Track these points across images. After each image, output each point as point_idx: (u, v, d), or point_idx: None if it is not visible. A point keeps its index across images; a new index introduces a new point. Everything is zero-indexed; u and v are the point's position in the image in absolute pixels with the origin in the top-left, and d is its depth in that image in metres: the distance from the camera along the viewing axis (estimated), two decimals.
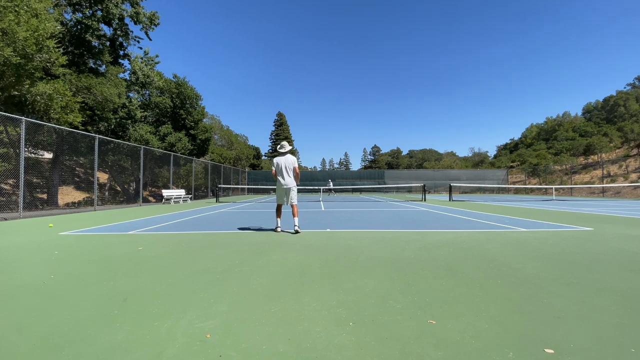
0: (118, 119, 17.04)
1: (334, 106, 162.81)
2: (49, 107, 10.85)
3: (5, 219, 8.49)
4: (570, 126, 59.08)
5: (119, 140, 15.38)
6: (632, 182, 27.21)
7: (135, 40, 17.74)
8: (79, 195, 17.81)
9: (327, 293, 2.51)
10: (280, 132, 74.26)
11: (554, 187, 21.93)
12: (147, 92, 20.68)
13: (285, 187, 5.78)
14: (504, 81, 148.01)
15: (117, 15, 15.27)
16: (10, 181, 14.16)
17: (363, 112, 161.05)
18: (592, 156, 40.49)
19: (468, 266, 3.32)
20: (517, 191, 35.80)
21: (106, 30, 16.11)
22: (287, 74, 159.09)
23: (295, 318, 2.03)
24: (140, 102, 19.68)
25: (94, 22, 14.15)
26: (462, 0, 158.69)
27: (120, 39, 17.01)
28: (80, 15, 14.13)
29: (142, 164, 15.70)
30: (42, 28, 9.91)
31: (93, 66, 15.24)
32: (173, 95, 22.00)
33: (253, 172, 39.76)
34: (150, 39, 18.35)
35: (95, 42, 14.97)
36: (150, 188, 23.56)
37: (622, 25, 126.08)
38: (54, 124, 11.31)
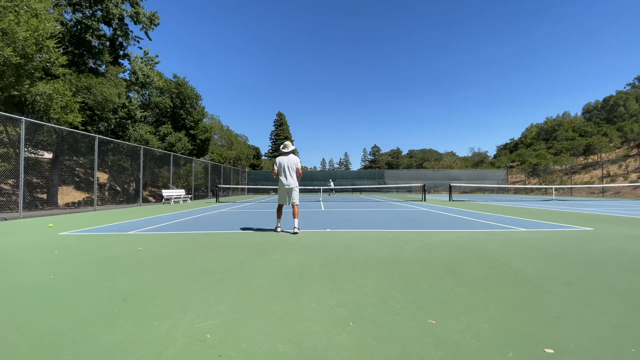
0: (118, 119, 17.04)
1: (334, 106, 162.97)
2: (49, 107, 10.85)
3: (5, 219, 8.48)
4: (570, 126, 59.10)
5: (118, 140, 15.38)
6: (632, 182, 27.22)
7: (135, 40, 17.75)
8: (79, 196, 17.81)
9: (327, 293, 2.51)
10: (280, 132, 74.26)
11: (553, 187, 21.93)
12: (147, 92, 20.68)
13: (287, 187, 5.76)
14: (503, 81, 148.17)
15: (117, 15, 15.27)
16: (10, 181, 14.16)
17: (363, 112, 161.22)
18: (592, 156, 40.52)
19: (468, 266, 3.32)
20: (517, 191, 35.81)
21: (106, 30, 16.12)
22: (287, 73, 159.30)
23: (295, 318, 2.03)
24: (140, 102, 19.69)
25: (93, 22, 14.15)
26: (462, 0, 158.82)
27: (120, 39, 17.00)
28: (80, 15, 14.13)
29: (141, 164, 15.70)
30: (42, 28, 9.91)
31: (93, 66, 15.24)
32: (173, 95, 22.01)
33: (253, 172, 39.77)
34: (150, 39, 18.36)
35: (95, 42, 14.97)
36: (150, 188, 23.56)
37: (622, 25, 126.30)
38: (54, 124, 11.31)
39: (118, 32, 16.55)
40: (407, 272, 3.09)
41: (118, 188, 21.07)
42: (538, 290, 2.56)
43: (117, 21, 15.70)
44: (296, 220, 5.66)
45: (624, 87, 66.79)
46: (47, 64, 10.97)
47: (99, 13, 14.74)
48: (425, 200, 18.51)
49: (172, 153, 18.99)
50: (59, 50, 11.13)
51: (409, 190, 36.57)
